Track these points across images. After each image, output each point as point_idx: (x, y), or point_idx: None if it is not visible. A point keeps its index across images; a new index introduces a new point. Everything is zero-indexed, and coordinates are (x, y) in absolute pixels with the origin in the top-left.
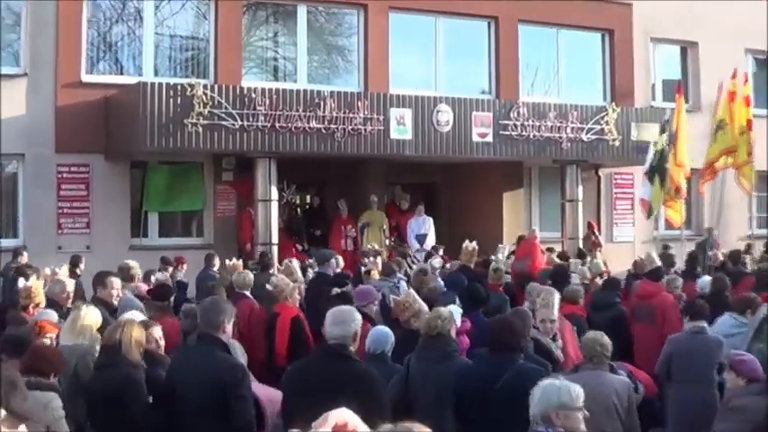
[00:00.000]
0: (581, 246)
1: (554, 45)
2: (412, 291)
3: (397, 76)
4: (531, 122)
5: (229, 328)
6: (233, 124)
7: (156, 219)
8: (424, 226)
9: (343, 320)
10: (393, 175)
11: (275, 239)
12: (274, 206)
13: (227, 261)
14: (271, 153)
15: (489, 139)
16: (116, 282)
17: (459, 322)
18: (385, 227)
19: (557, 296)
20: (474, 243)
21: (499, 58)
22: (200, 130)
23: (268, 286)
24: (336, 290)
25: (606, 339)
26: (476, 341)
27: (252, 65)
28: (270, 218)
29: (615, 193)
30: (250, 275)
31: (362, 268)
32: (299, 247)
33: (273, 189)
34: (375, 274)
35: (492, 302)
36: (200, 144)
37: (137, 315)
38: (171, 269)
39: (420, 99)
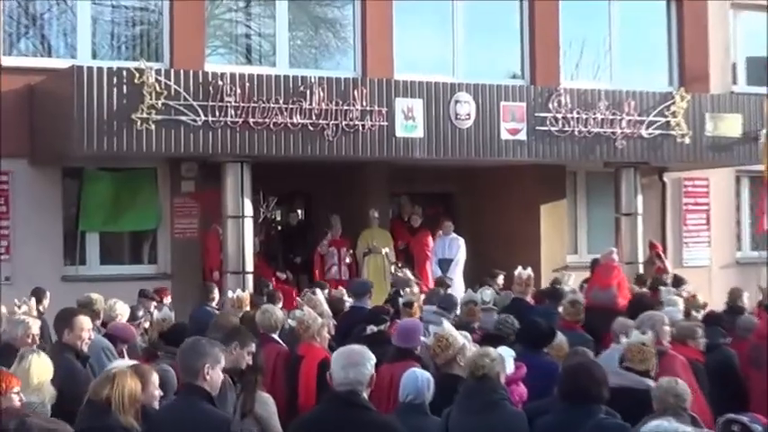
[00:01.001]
0: (641, 271)
1: (605, 15)
2: (448, 325)
3: (403, 58)
4: (575, 115)
5: (214, 374)
6: (194, 120)
7: (95, 241)
8: (450, 249)
9: (356, 362)
10: (399, 184)
11: (250, 266)
12: (248, 224)
13: (231, 294)
14: (243, 156)
15: (522, 136)
16: (86, 322)
17: (511, 368)
18: (388, 250)
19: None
20: (529, 270)
21: (534, 33)
22: (153, 127)
23: (290, 321)
24: (372, 328)
25: (682, 388)
26: (539, 388)
27: (218, 44)
28: (242, 239)
29: (685, 203)
30: (278, 313)
31: (400, 300)
32: (282, 277)
33: (247, 202)
34: (417, 308)
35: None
36: (153, 145)
37: (123, 363)
38: (153, 305)
39: (434, 86)
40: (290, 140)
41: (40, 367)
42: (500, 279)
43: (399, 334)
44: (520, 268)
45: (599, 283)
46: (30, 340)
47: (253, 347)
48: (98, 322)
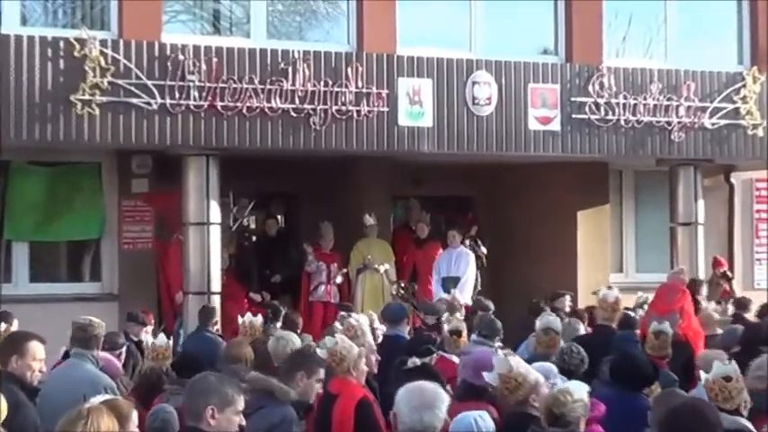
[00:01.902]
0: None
1: None
2: (518, 359)
3: (408, 29)
4: (621, 100)
5: (222, 418)
6: (148, 103)
7: (24, 253)
8: (457, 264)
9: (431, 404)
10: (403, 184)
11: (216, 286)
12: (215, 233)
13: (241, 319)
14: (209, 149)
15: (555, 126)
16: (39, 350)
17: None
18: (388, 266)
19: None
20: (615, 291)
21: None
22: (96, 111)
23: (319, 351)
24: (415, 361)
25: None
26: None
27: (179, 9)
28: (208, 252)
29: (757, 211)
30: (296, 341)
31: (446, 327)
32: (257, 299)
33: (214, 206)
34: (465, 337)
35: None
36: (97, 134)
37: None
38: (144, 331)
39: (446, 64)
40: (267, 129)
41: None
42: (566, 302)
43: (473, 367)
44: (604, 289)
45: (658, 309)
46: None
47: (321, 375)
48: (96, 352)
